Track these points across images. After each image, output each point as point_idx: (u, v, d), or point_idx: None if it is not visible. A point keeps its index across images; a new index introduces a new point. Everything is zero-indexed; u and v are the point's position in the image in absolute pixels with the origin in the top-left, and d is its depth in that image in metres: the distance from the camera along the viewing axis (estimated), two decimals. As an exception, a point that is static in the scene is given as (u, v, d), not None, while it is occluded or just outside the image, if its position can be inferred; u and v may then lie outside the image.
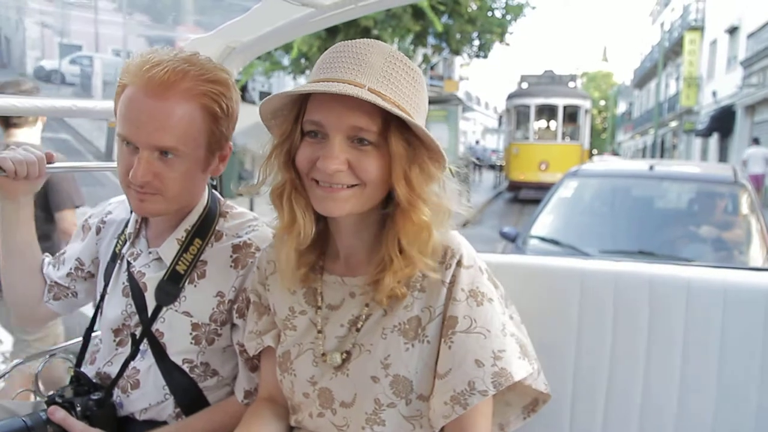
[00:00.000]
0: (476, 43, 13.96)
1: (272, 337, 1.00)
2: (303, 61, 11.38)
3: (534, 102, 14.55)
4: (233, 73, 1.39)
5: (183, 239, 1.08)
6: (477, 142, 25.24)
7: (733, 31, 18.80)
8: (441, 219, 0.88)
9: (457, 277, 0.88)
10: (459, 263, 0.89)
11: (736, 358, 1.10)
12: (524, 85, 15.85)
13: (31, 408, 1.16)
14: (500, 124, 20.32)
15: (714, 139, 19.85)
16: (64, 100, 1.37)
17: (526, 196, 13.09)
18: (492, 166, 19.90)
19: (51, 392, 1.12)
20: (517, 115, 14.96)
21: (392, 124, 0.83)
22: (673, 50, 25.94)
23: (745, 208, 3.51)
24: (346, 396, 0.91)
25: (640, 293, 1.15)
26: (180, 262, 1.06)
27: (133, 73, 0.95)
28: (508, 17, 13.95)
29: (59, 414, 1.02)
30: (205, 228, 1.09)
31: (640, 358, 1.14)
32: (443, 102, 15.14)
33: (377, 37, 11.49)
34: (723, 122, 17.92)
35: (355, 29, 11.27)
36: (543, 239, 3.69)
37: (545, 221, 3.87)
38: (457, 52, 13.82)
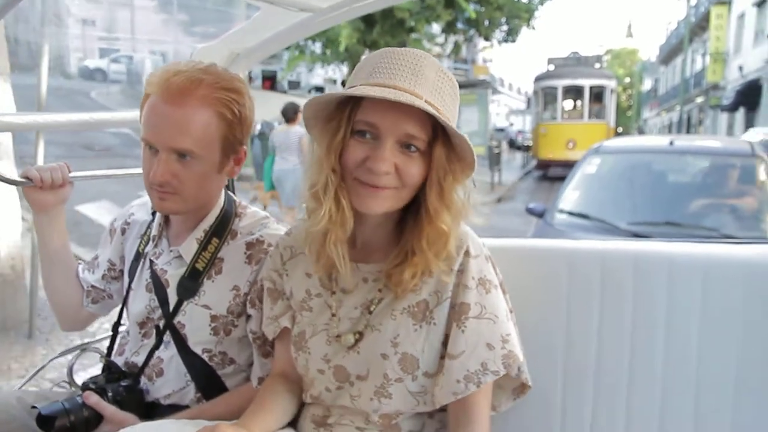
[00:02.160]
0: (504, 28, 14.61)
1: (288, 318, 1.04)
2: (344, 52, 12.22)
3: (561, 83, 15.18)
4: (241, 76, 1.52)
5: (202, 239, 1.16)
6: (511, 124, 25.80)
7: (761, 4, 18.85)
8: (459, 225, 0.94)
9: (465, 266, 0.94)
10: (467, 253, 0.95)
11: (715, 333, 1.13)
12: (551, 68, 16.46)
13: (68, 396, 1.22)
14: (528, 105, 20.90)
15: (740, 114, 20.02)
16: (81, 114, 1.49)
17: (555, 174, 13.71)
18: (518, 147, 20.47)
19: (84, 380, 1.21)
20: (545, 97, 15.61)
21: (439, 135, 0.88)
22: (699, 25, 25.85)
23: (762, 178, 3.68)
24: (360, 370, 0.97)
25: (625, 271, 1.17)
26: (199, 260, 1.14)
27: (155, 84, 1.03)
28: (536, 1, 14.55)
29: (93, 398, 1.12)
30: (222, 228, 1.17)
31: (625, 336, 1.17)
32: (473, 86, 15.81)
33: (411, 29, 12.29)
34: (749, 97, 18.08)
35: (390, 21, 12.02)
36: (571, 213, 3.79)
37: (571, 197, 4.00)
38: (486, 38, 14.49)
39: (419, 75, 0.86)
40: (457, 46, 14.83)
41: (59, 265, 1.29)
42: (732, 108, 19.93)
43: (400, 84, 0.85)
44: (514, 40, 15.00)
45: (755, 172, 3.74)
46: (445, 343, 0.94)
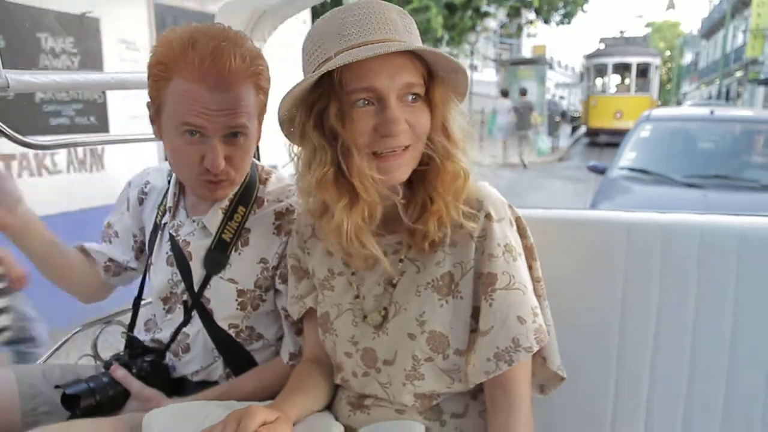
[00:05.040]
0: (561, 12, 16.73)
1: (313, 298, 1.01)
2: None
3: (611, 61, 17.36)
4: (265, 38, 1.40)
5: (227, 208, 1.09)
6: (561, 98, 27.90)
7: (799, -15, 20.31)
8: (467, 153, 0.87)
9: (488, 231, 0.86)
10: (488, 216, 0.87)
11: None
12: (601, 46, 18.57)
13: (93, 371, 1.18)
14: (581, 80, 23.03)
15: (776, 88, 21.66)
16: (95, 72, 1.37)
17: (603, 140, 15.98)
18: (569, 118, 22.65)
19: (108, 357, 1.20)
20: (596, 72, 17.80)
21: (434, 74, 0.83)
22: (742, 2, 27.05)
23: None
24: (387, 354, 0.91)
25: (689, 245, 1.08)
26: (225, 231, 1.08)
27: (180, 65, 0.93)
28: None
29: (120, 372, 1.08)
30: (248, 195, 1.10)
31: (687, 315, 1.08)
32: (533, 63, 18.15)
33: (486, 13, 14.56)
34: None
35: (471, 6, 14.26)
36: (631, 169, 4.36)
37: (629, 156, 4.62)
38: (546, 20, 16.66)
39: (387, 22, 0.81)
40: (519, 28, 17.08)
41: (55, 261, 1.19)
42: (768, 82, 21.54)
43: (375, 36, 0.79)
44: (569, 22, 17.13)
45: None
46: (474, 316, 0.88)
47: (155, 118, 1.02)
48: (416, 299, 0.90)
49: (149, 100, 1.02)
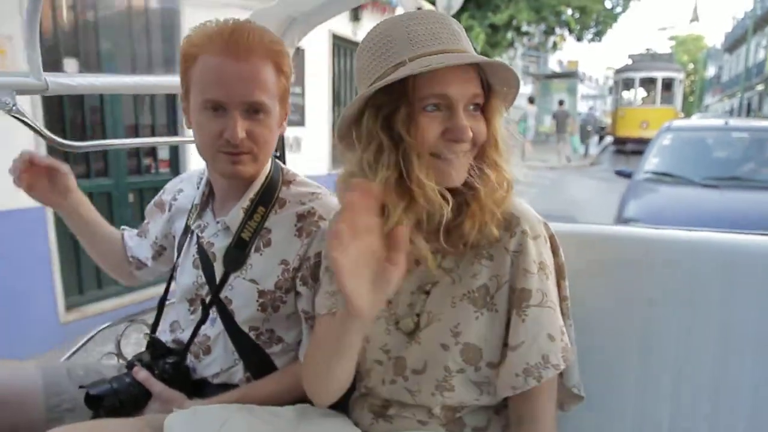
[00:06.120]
0: (593, 31, 18.35)
1: (343, 301, 0.94)
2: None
3: (638, 75, 18.96)
4: (295, 43, 1.45)
5: (247, 207, 1.11)
6: (590, 108, 29.66)
7: (817, 6, 21.65)
8: (510, 166, 0.89)
9: (525, 247, 0.88)
10: (524, 233, 0.88)
11: None
12: (629, 62, 20.19)
13: (116, 370, 1.22)
14: (610, 92, 24.72)
15: (795, 101, 22.94)
16: (129, 76, 1.42)
17: (630, 149, 17.28)
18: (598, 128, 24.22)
19: (130, 357, 1.22)
20: (624, 85, 19.42)
21: (492, 87, 0.85)
22: (764, 18, 28.30)
23: None
24: (417, 364, 0.92)
25: (714, 263, 1.06)
26: (245, 229, 1.10)
27: (207, 43, 0.99)
28: (618, 10, 18.19)
29: (143, 374, 1.10)
30: (269, 195, 1.12)
31: (711, 335, 1.05)
32: (566, 76, 19.91)
33: (525, 33, 16.27)
34: None
35: (512, 28, 15.93)
36: (655, 173, 4.90)
37: (653, 161, 5.14)
38: (579, 38, 18.31)
39: (455, 33, 0.85)
40: (554, 45, 18.75)
41: (99, 240, 1.33)
42: (787, 96, 22.83)
43: (447, 46, 0.82)
44: (600, 40, 18.75)
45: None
46: (508, 329, 0.89)
47: (185, 105, 1.06)
48: (451, 310, 0.90)
49: (182, 90, 1.06)
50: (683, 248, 1.11)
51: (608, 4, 17.89)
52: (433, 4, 7.00)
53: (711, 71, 48.09)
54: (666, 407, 1.09)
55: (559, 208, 8.71)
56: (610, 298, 1.12)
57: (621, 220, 4.17)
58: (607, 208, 5.86)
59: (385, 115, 0.84)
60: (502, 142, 0.88)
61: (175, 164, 4.46)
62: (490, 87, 0.87)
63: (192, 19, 1.20)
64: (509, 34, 15.95)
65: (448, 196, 0.86)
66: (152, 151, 4.35)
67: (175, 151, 4.49)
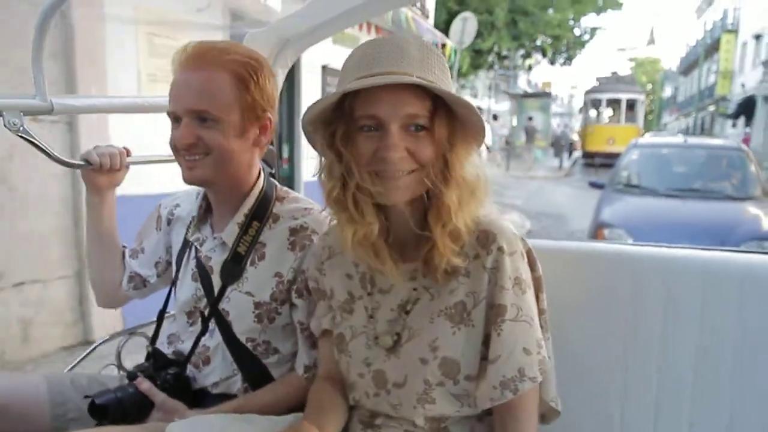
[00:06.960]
0: (564, 55, 20.27)
1: (329, 320, 1.05)
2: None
3: (605, 96, 21.09)
4: (288, 64, 1.47)
5: (242, 222, 1.15)
6: (565, 126, 32.09)
7: (758, 37, 24.05)
8: (479, 197, 0.91)
9: (500, 263, 0.90)
10: (501, 250, 0.90)
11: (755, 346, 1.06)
12: (596, 84, 22.32)
13: (117, 381, 1.25)
14: (580, 111, 26.95)
15: (741, 122, 25.40)
16: (129, 96, 1.44)
17: (598, 162, 19.06)
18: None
19: (131, 368, 1.24)
20: (592, 105, 21.47)
21: (438, 107, 0.87)
22: (713, 46, 31.03)
23: (746, 163, 5.64)
24: (398, 377, 0.95)
25: (692, 280, 1.10)
26: (241, 244, 1.14)
27: (175, 61, 1.06)
28: (586, 38, 20.19)
29: (145, 384, 1.13)
30: (262, 211, 1.16)
31: (690, 350, 1.08)
32: (539, 96, 21.84)
33: (505, 57, 18.01)
34: (747, 108, 22.30)
35: (494, 53, 17.62)
36: (625, 185, 5.62)
37: (623, 174, 5.90)
38: (552, 62, 20.19)
39: (403, 55, 0.86)
40: (529, 66, 20.61)
41: (106, 244, 1.32)
42: (734, 116, 25.11)
43: (387, 68, 0.85)
44: (570, 64, 20.68)
45: (742, 159, 5.75)
46: (486, 344, 0.91)
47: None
48: (430, 326, 0.93)
49: None
50: (662, 264, 1.14)
51: (577, 32, 19.86)
52: (447, 35, 8.30)
53: (668, 91, 51.40)
54: (649, 419, 1.12)
55: (550, 209, 10.72)
56: (591, 312, 1.16)
57: (597, 222, 4.96)
58: (585, 209, 6.98)
59: (330, 132, 0.90)
60: (457, 162, 0.88)
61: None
62: (440, 109, 0.87)
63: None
64: (490, 58, 17.62)
65: (406, 215, 0.91)
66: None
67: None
